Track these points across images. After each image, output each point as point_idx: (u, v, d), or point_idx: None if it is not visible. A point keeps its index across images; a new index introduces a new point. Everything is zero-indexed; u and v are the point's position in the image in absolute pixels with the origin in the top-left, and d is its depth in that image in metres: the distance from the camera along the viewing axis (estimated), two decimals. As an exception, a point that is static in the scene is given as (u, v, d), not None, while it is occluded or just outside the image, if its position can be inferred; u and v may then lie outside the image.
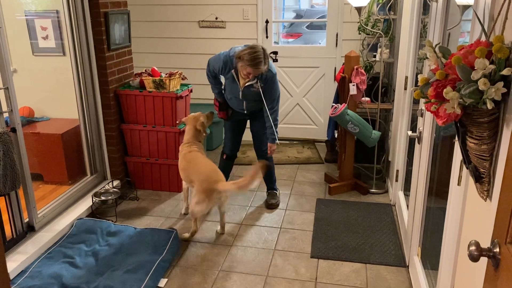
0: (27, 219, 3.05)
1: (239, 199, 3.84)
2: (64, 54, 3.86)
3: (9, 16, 3.87)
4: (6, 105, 2.85)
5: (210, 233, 3.29)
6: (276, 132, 3.41)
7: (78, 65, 3.54)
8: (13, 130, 2.86)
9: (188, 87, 3.94)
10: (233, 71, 3.27)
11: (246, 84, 3.29)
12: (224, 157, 3.69)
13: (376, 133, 3.75)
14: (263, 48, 3.15)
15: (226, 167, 3.75)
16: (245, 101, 3.40)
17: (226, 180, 3.83)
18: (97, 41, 3.55)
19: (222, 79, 3.39)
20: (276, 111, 3.41)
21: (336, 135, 4.17)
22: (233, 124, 3.59)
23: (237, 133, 3.65)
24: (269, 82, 3.29)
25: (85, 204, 3.51)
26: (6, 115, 2.87)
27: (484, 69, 1.12)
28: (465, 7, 2.17)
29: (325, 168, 4.49)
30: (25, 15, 3.90)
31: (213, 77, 3.41)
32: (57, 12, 3.73)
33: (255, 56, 3.08)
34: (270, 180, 3.77)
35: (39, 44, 3.92)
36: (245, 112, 3.49)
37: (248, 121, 3.64)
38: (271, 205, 3.68)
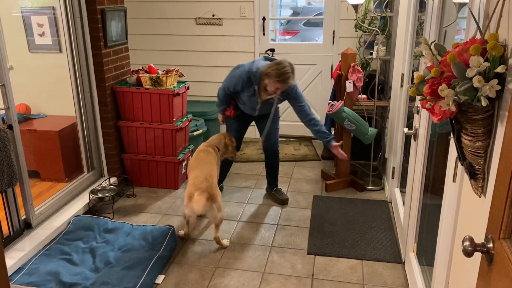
0: (24, 216, 3.05)
1: (235, 196, 3.85)
2: (60, 51, 3.85)
3: (5, 13, 3.86)
4: (2, 102, 2.85)
5: (207, 230, 3.29)
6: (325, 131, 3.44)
7: (75, 62, 3.53)
8: (10, 127, 2.86)
9: (185, 84, 3.94)
10: (256, 86, 3.26)
11: (267, 98, 3.33)
12: None
13: (372, 130, 3.76)
14: (289, 63, 3.14)
15: (227, 165, 3.76)
16: (258, 110, 3.44)
17: (224, 177, 3.85)
18: (93, 38, 3.54)
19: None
20: (309, 110, 3.41)
21: (332, 132, 4.18)
22: (239, 123, 3.59)
23: (241, 133, 3.67)
24: (292, 93, 3.30)
25: (82, 201, 3.51)
26: (2, 112, 2.87)
27: (479, 67, 1.13)
28: (461, 5, 2.18)
29: (322, 165, 4.51)
30: (21, 12, 3.88)
31: (228, 95, 3.43)
32: (54, 8, 3.73)
33: (284, 72, 3.09)
34: (275, 178, 3.78)
35: (35, 41, 3.91)
36: (255, 114, 3.51)
37: (252, 118, 3.66)
38: (285, 200, 3.69)
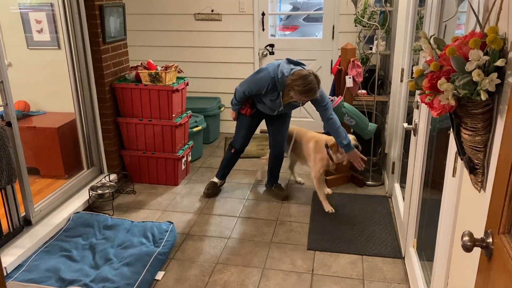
0: (24, 213, 3.05)
1: (236, 192, 3.84)
2: (59, 47, 3.83)
3: (3, 9, 3.85)
4: (1, 99, 2.84)
5: (207, 226, 3.30)
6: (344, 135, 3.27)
7: (73, 58, 3.52)
8: (9, 124, 2.85)
9: (184, 80, 3.93)
10: (280, 92, 3.22)
11: (289, 101, 3.30)
12: (233, 151, 3.69)
13: (372, 126, 3.75)
14: (314, 75, 3.09)
15: (232, 161, 3.76)
16: (278, 111, 3.42)
17: (228, 173, 3.85)
18: (92, 34, 3.53)
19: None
20: (331, 109, 3.29)
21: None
22: (252, 121, 3.56)
23: (252, 130, 3.64)
24: (319, 102, 3.24)
25: (82, 198, 3.51)
26: (1, 109, 2.86)
27: (478, 60, 1.12)
28: (461, -1, 2.16)
29: (322, 160, 4.49)
30: (19, 8, 3.87)
31: (247, 97, 3.37)
32: (52, 5, 3.71)
33: (309, 88, 3.05)
34: (276, 175, 3.79)
35: (33, 37, 3.90)
36: (274, 114, 3.47)
37: (263, 117, 3.63)
38: (285, 196, 3.70)
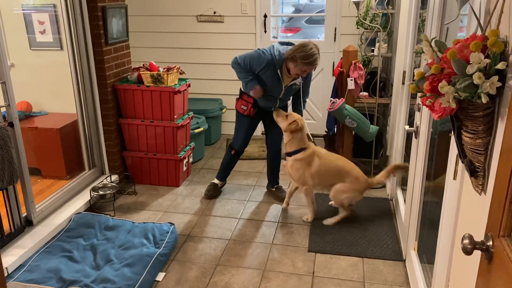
0: (25, 214, 3.05)
1: (237, 194, 3.84)
2: (61, 48, 3.84)
3: (6, 10, 3.87)
4: (3, 99, 2.85)
5: (208, 227, 3.30)
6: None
7: (76, 59, 3.53)
8: (11, 124, 2.86)
9: (186, 81, 3.93)
10: (278, 71, 3.21)
11: (290, 83, 3.31)
12: (233, 152, 3.69)
13: (374, 128, 3.75)
14: (314, 44, 3.11)
15: (232, 162, 3.76)
16: (279, 100, 3.41)
17: (227, 176, 3.85)
18: (94, 35, 3.54)
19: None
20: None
21: (335, 130, 4.17)
22: (252, 121, 3.56)
23: (252, 130, 3.65)
24: (309, 76, 3.38)
25: (83, 198, 3.51)
26: (3, 109, 2.87)
27: (479, 63, 1.12)
28: (463, 2, 2.16)
29: (323, 162, 4.49)
30: (22, 9, 3.88)
31: (245, 68, 3.26)
32: (54, 6, 3.72)
33: (311, 53, 3.05)
34: (276, 175, 3.79)
35: (36, 38, 3.91)
36: (276, 106, 3.47)
37: (262, 116, 3.63)
38: None
